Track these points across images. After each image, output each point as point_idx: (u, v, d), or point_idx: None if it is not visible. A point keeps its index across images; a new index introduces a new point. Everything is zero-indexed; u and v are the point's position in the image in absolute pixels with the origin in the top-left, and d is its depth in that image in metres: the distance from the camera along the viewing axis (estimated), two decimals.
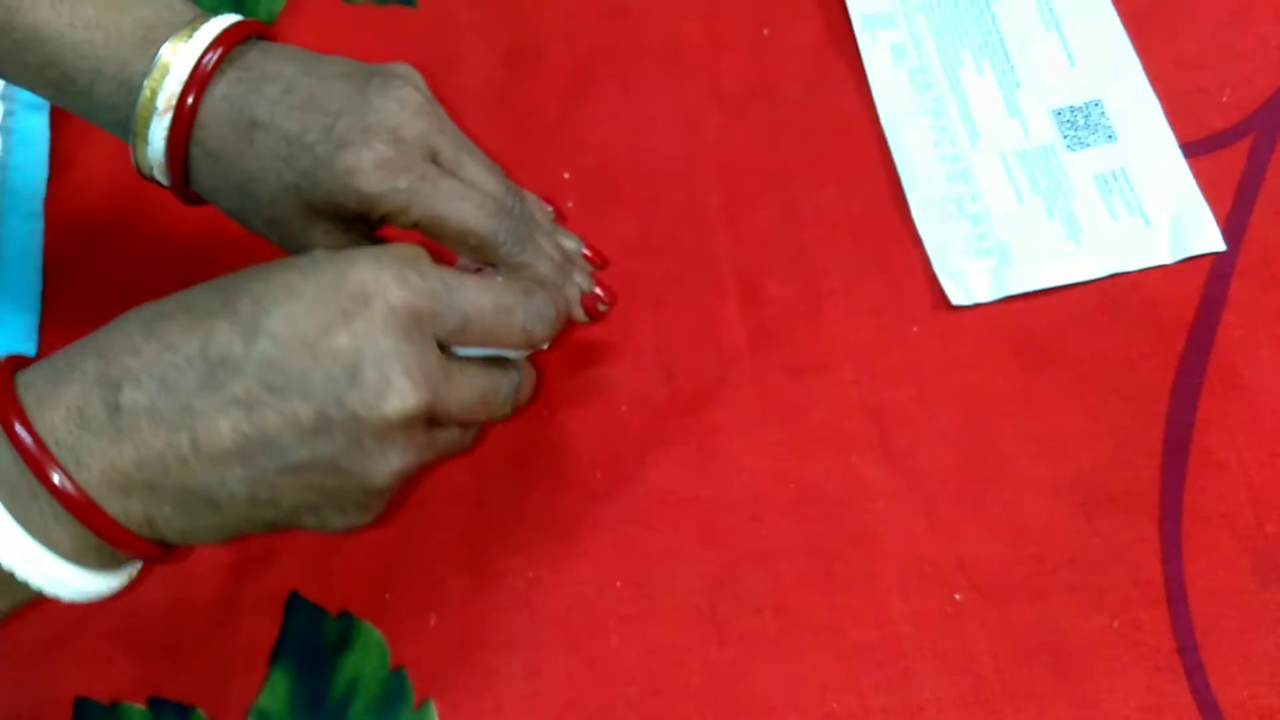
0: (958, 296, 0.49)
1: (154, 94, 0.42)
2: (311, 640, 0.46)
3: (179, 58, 0.42)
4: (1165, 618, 0.43)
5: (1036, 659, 0.43)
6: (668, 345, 0.50)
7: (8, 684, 0.47)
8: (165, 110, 0.42)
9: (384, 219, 0.42)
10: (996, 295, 0.49)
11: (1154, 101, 0.52)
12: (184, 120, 0.42)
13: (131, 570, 0.37)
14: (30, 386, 0.34)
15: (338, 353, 0.34)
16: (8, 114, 0.58)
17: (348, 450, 0.35)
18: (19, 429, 0.33)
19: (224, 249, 0.54)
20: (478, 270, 0.44)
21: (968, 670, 0.43)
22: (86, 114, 0.44)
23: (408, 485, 0.42)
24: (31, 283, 0.55)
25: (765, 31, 0.57)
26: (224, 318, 0.34)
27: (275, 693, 0.45)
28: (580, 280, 0.48)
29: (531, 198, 0.49)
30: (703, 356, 0.50)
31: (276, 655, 0.46)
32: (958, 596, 0.44)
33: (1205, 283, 0.48)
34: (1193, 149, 0.51)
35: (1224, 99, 0.52)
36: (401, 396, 0.35)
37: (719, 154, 0.54)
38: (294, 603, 0.47)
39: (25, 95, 0.59)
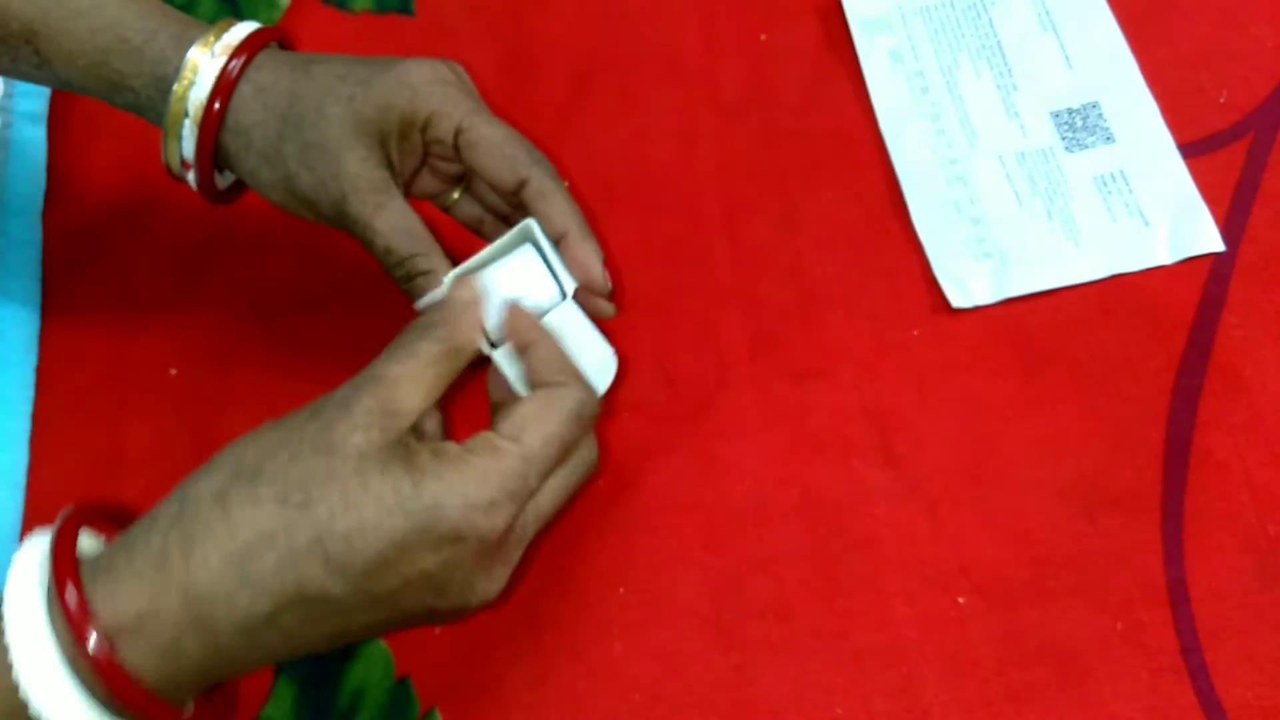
0: (958, 299, 0.49)
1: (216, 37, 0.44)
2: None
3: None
4: (1168, 619, 0.43)
5: (1040, 662, 0.43)
6: (668, 352, 0.50)
7: None
8: (222, 52, 0.44)
9: (428, 126, 0.43)
10: (996, 298, 0.49)
11: (1151, 103, 0.52)
12: (242, 55, 0.44)
13: None
14: (110, 601, 0.34)
15: (425, 578, 0.36)
16: (6, 125, 0.59)
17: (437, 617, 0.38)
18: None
19: (224, 261, 0.55)
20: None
21: (971, 674, 0.43)
22: (127, 76, 0.45)
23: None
24: (31, 293, 0.55)
25: (763, 37, 0.57)
26: (316, 559, 0.35)
27: (281, 703, 0.45)
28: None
29: None
30: (703, 363, 0.50)
31: (281, 666, 0.46)
32: (961, 600, 0.44)
33: (1205, 283, 0.48)
34: (1191, 149, 0.51)
35: (1221, 99, 0.52)
36: (489, 589, 0.38)
37: (717, 160, 0.54)
38: None
39: (23, 107, 0.59)
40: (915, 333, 0.49)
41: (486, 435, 0.38)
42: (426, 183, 0.47)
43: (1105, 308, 0.48)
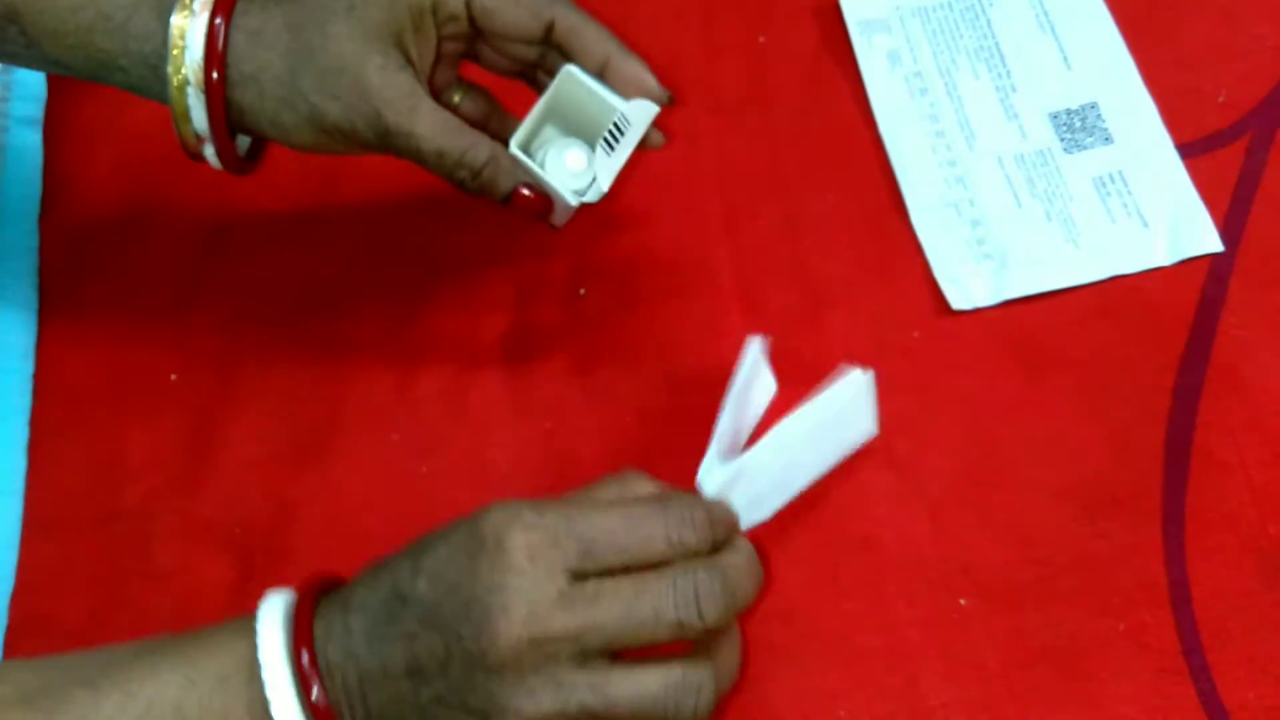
0: (958, 301, 0.49)
1: None
2: None
3: None
4: (1170, 620, 0.43)
5: (1043, 663, 0.43)
6: (670, 356, 0.50)
7: None
8: (203, 8, 0.42)
9: (437, 6, 0.43)
10: (996, 299, 0.49)
11: (1150, 103, 0.52)
12: (224, 7, 0.42)
13: None
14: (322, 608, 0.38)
15: (463, 590, 0.35)
16: (1, 130, 0.58)
17: (473, 687, 0.35)
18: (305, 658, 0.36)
19: (225, 266, 0.55)
20: None
21: (974, 675, 0.43)
22: (114, 54, 0.43)
23: None
24: (28, 299, 0.55)
25: (761, 39, 0.57)
26: (408, 555, 0.37)
27: None
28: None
29: None
30: (705, 366, 0.50)
31: None
32: (963, 601, 0.44)
33: (1204, 284, 0.48)
34: (1189, 150, 0.51)
35: (1220, 99, 0.52)
36: (500, 631, 0.34)
37: (717, 163, 0.54)
38: None
39: (19, 111, 0.59)
40: (916, 334, 0.49)
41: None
42: (440, 76, 0.46)
43: (1105, 309, 0.48)
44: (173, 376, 0.52)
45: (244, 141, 0.47)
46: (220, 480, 0.49)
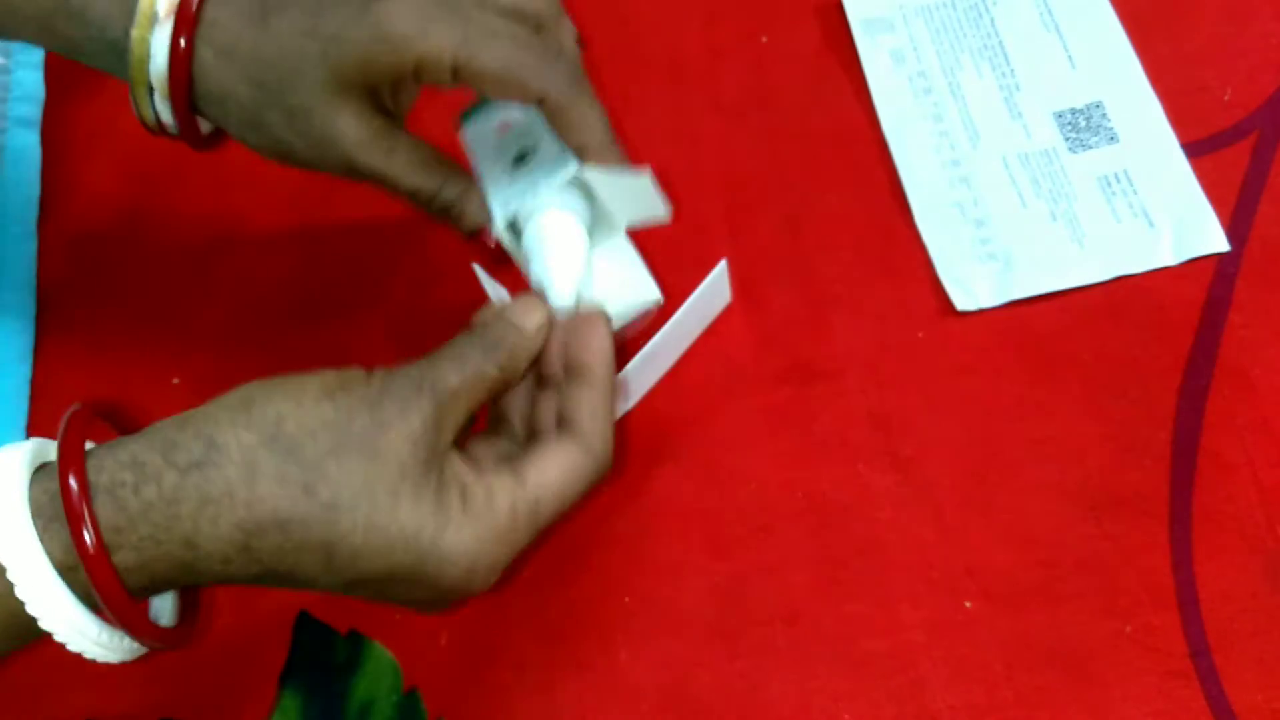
0: (962, 302, 0.49)
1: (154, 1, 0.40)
2: (322, 660, 0.46)
3: None
4: (1177, 622, 0.43)
5: (1049, 665, 0.43)
6: None
7: (20, 708, 0.47)
8: (167, 15, 0.40)
9: (419, 73, 0.40)
10: (1001, 300, 0.49)
11: (1155, 102, 0.52)
12: (188, 21, 0.40)
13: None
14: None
15: (410, 600, 0.37)
16: (0, 132, 0.58)
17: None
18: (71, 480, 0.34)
19: (226, 269, 0.54)
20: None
21: (980, 678, 0.43)
22: (77, 40, 0.42)
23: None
24: (25, 304, 0.54)
25: (764, 39, 0.56)
26: (317, 558, 0.35)
27: (286, 714, 0.45)
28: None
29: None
30: (707, 367, 0.49)
31: (287, 676, 0.46)
32: (968, 604, 0.44)
33: (1210, 284, 0.48)
34: (1195, 149, 0.51)
35: (1226, 97, 0.52)
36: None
37: (720, 164, 0.54)
38: (303, 622, 0.47)
39: (17, 113, 0.58)
40: (920, 335, 0.49)
41: (510, 488, 0.37)
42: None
43: (1110, 309, 0.48)
44: (175, 381, 0.52)
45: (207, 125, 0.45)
46: None
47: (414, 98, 0.44)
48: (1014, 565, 0.44)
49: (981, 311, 0.49)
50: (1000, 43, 0.54)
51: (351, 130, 0.41)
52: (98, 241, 0.56)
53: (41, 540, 0.33)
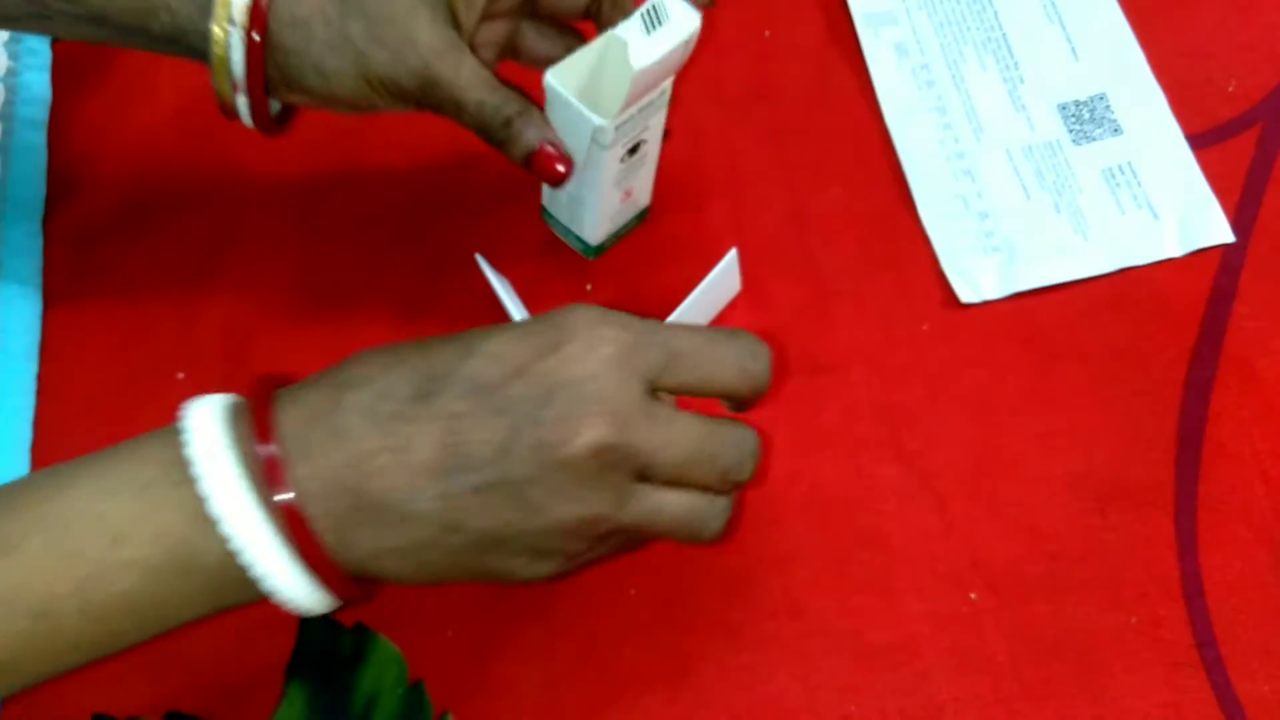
0: (966, 294, 0.49)
1: None
2: (327, 653, 0.46)
3: None
4: (1183, 613, 0.42)
5: (1054, 657, 0.42)
6: None
7: (24, 701, 0.47)
8: None
9: None
10: (1005, 292, 0.49)
11: (1159, 94, 0.52)
12: None
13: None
14: (287, 392, 0.36)
15: (538, 376, 0.34)
16: (6, 133, 0.58)
17: (532, 478, 0.34)
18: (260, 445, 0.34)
19: (231, 264, 0.54)
20: None
21: (985, 670, 0.43)
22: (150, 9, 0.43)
23: (601, 551, 0.38)
24: (32, 300, 0.55)
25: (766, 33, 0.56)
26: (451, 343, 0.36)
27: (293, 707, 0.45)
28: None
29: None
30: None
31: (293, 669, 0.46)
32: (973, 596, 0.44)
33: (1215, 275, 0.48)
34: (1199, 140, 0.50)
35: (1230, 89, 0.52)
36: (586, 426, 0.34)
37: (724, 158, 0.54)
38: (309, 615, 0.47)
39: (24, 114, 0.59)
40: (924, 328, 0.49)
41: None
42: (482, 35, 0.47)
43: (1115, 301, 0.48)
44: (180, 375, 0.52)
45: (274, 106, 0.46)
46: None
47: (478, 12, 0.45)
48: (1019, 557, 0.44)
49: (986, 304, 0.49)
50: (1003, 35, 0.54)
51: (429, 36, 0.42)
52: (103, 239, 0.56)
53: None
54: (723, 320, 0.50)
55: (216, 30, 0.43)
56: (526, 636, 0.45)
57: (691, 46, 0.43)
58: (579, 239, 0.51)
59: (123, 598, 0.34)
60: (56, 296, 0.55)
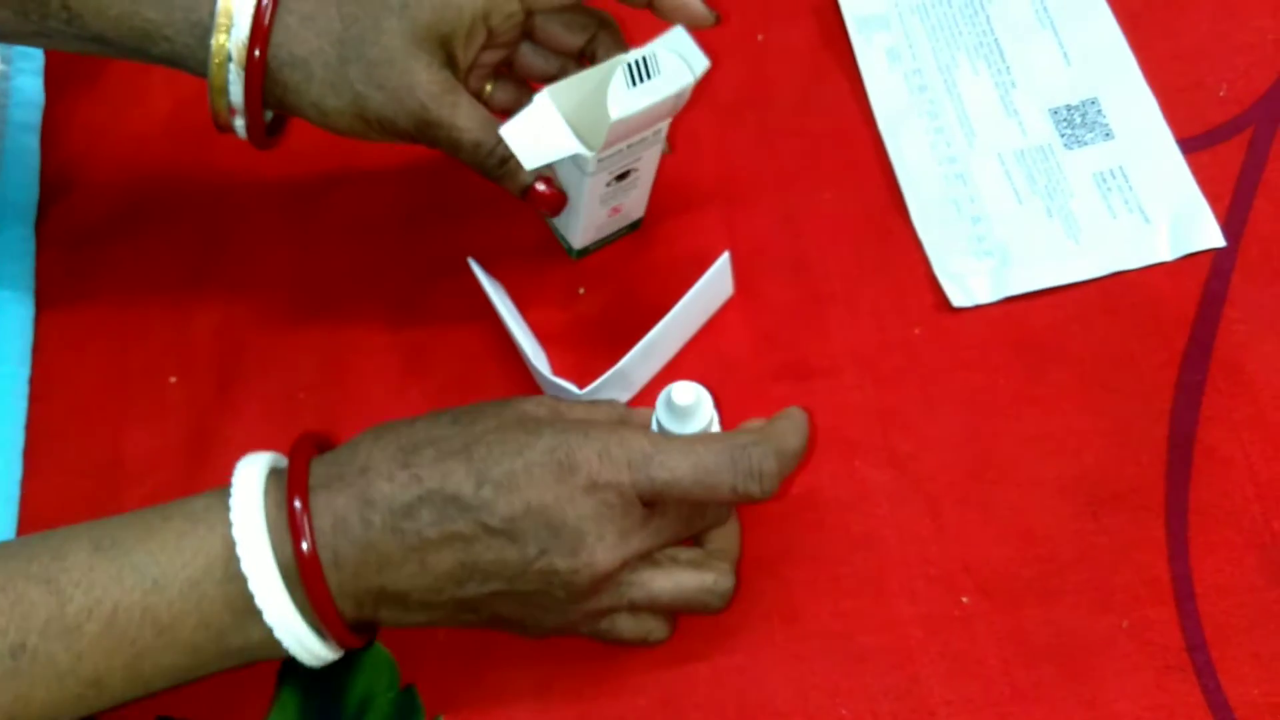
0: (958, 298, 0.49)
1: None
2: None
3: None
4: (1174, 616, 0.43)
5: (1046, 660, 0.43)
6: None
7: None
8: None
9: (489, 13, 0.45)
10: (997, 296, 0.49)
11: (1150, 98, 0.52)
12: None
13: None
14: (321, 488, 0.40)
15: (548, 513, 0.39)
16: (0, 136, 0.58)
17: (542, 591, 0.40)
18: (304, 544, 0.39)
19: (223, 269, 0.55)
20: None
21: (977, 673, 0.43)
22: (157, 23, 0.44)
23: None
24: (24, 304, 0.54)
25: (759, 37, 0.57)
26: (461, 460, 0.39)
27: (285, 711, 0.45)
28: None
29: None
30: (705, 364, 0.49)
31: (285, 674, 0.46)
32: (965, 599, 0.44)
33: (1206, 279, 0.48)
34: (1191, 145, 0.51)
35: (1221, 93, 0.52)
36: (599, 555, 0.39)
37: (716, 162, 0.54)
38: None
39: (17, 117, 0.59)
40: (917, 332, 0.49)
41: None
42: (473, 83, 0.48)
43: (1106, 305, 0.48)
44: (172, 379, 0.52)
45: (267, 114, 0.48)
46: (220, 482, 0.49)
47: (475, 52, 0.46)
48: (1011, 561, 0.44)
49: (978, 308, 0.49)
50: (995, 40, 0.54)
51: (426, 79, 0.44)
52: (96, 243, 0.56)
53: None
54: (715, 322, 0.50)
55: (214, 66, 0.44)
56: (518, 640, 0.45)
57: (685, 98, 0.44)
58: (565, 239, 0.51)
59: (167, 670, 0.39)
60: (49, 300, 0.55)
